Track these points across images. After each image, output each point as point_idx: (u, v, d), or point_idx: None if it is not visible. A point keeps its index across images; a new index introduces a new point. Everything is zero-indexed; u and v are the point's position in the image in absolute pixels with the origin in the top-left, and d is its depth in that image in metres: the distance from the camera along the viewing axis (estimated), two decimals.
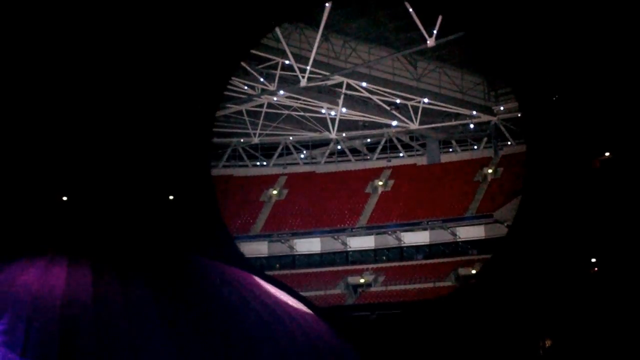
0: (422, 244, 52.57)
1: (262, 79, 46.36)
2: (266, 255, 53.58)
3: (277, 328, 22.91)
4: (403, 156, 56.36)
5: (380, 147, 56.14)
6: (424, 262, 51.84)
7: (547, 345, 45.62)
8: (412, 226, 52.42)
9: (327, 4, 39.77)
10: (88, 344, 21.37)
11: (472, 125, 52.69)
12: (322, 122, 52.78)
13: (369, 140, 56.62)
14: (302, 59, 44.07)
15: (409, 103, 49.87)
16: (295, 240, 53.72)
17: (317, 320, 24.58)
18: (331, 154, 57.44)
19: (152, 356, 21.61)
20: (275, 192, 56.48)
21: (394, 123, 51.71)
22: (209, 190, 37.82)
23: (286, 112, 52.01)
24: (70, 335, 21.60)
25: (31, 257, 24.49)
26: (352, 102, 50.02)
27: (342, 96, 48.75)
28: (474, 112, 51.05)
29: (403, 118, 50.86)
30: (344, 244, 53.54)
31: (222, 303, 22.97)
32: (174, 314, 22.86)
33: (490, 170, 53.84)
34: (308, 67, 43.42)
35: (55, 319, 21.82)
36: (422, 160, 55.97)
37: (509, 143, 53.84)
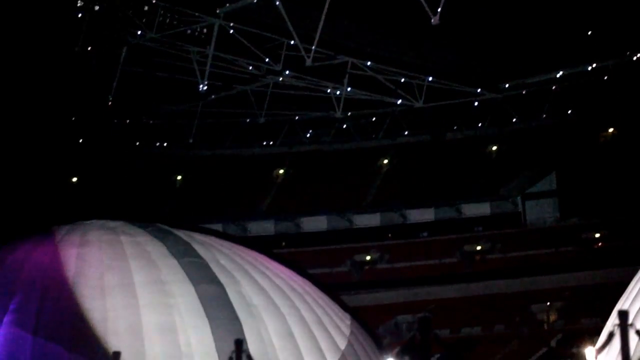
0: (428, 221, 52.88)
1: (267, 59, 46.53)
2: (273, 234, 53.99)
3: (276, 295, 23.38)
4: (408, 134, 56.55)
5: (385, 125, 56.34)
6: (429, 239, 52.16)
7: (552, 320, 46.02)
8: (417, 203, 52.72)
9: None
10: (99, 323, 21.78)
11: (476, 103, 52.81)
12: (328, 101, 52.96)
13: (374, 119, 56.82)
14: (307, 38, 44.19)
15: (414, 81, 50.02)
16: (302, 219, 54.09)
17: (318, 293, 25.01)
18: (337, 133, 57.66)
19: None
20: (281, 171, 56.80)
21: (399, 101, 51.91)
22: None
23: (292, 91, 52.20)
24: (82, 314, 21.99)
25: (42, 237, 24.86)
26: (357, 81, 50.18)
27: (347, 75, 48.90)
28: (479, 90, 51.17)
29: (408, 96, 51.04)
30: (350, 222, 53.91)
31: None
32: None
33: (494, 148, 54.02)
34: (313, 47, 43.54)
35: (66, 298, 22.20)
36: (426, 139, 56.15)
37: (514, 120, 53.98)
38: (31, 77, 43.97)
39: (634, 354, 15.93)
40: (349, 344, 23.78)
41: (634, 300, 22.84)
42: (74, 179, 53.76)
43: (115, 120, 53.21)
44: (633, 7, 42.25)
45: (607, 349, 16.90)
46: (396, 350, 42.09)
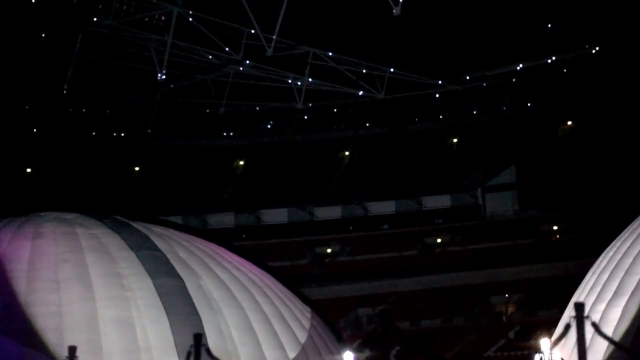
0: (389, 213, 52.91)
1: (227, 49, 46.06)
2: (233, 226, 53.57)
3: (236, 288, 23.13)
4: (369, 126, 56.49)
5: (346, 117, 56.20)
6: (390, 231, 52.20)
7: (510, 312, 46.39)
8: (378, 196, 52.70)
9: None
10: (55, 317, 21.28)
11: (437, 95, 52.90)
12: (289, 92, 52.65)
13: (335, 110, 56.64)
14: (268, 27, 43.81)
15: (375, 73, 49.92)
16: (262, 211, 53.75)
17: (278, 286, 24.79)
18: (298, 124, 57.36)
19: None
20: (241, 162, 56.36)
21: (360, 93, 51.78)
22: None
23: (252, 82, 51.78)
24: (37, 308, 21.46)
25: None
26: (319, 71, 49.96)
27: (308, 66, 48.65)
28: (440, 82, 51.25)
29: (369, 88, 50.94)
30: (311, 214, 53.72)
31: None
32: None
33: (455, 140, 54.19)
34: (274, 37, 43.17)
35: (21, 291, 21.68)
36: (388, 130, 56.14)
37: (474, 112, 54.19)
38: None
39: (589, 346, 15.96)
40: (309, 338, 23.60)
41: (590, 292, 23.01)
42: (28, 170, 52.80)
43: (71, 110, 52.34)
44: (591, 1, 42.62)
45: (563, 340, 16.98)
46: (357, 343, 42.24)
